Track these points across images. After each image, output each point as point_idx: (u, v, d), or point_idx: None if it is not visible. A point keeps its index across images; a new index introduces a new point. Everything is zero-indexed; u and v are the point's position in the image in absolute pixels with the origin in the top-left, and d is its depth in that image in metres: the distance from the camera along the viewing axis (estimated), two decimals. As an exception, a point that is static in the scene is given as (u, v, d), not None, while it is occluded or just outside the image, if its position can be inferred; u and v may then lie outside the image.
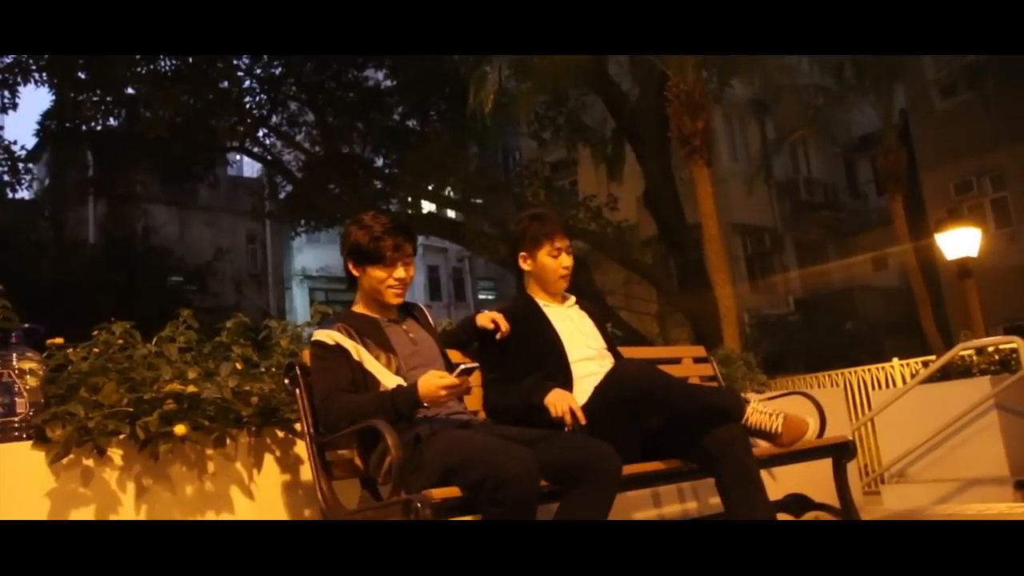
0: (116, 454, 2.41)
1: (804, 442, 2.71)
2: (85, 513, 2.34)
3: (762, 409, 2.69)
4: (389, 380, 2.43)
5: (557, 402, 2.56)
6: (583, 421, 2.53)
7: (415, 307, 2.77)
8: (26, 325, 2.46)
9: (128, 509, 2.41)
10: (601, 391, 2.61)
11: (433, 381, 2.26)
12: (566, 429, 2.51)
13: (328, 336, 2.45)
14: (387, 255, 2.51)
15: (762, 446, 2.70)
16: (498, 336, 2.79)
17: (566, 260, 2.93)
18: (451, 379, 2.26)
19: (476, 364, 2.41)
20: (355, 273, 2.58)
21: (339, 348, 2.44)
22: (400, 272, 2.54)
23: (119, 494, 2.40)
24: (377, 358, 2.46)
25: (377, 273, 2.53)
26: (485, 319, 2.83)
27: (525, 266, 2.96)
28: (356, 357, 2.44)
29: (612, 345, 3.01)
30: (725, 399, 2.60)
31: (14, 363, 2.34)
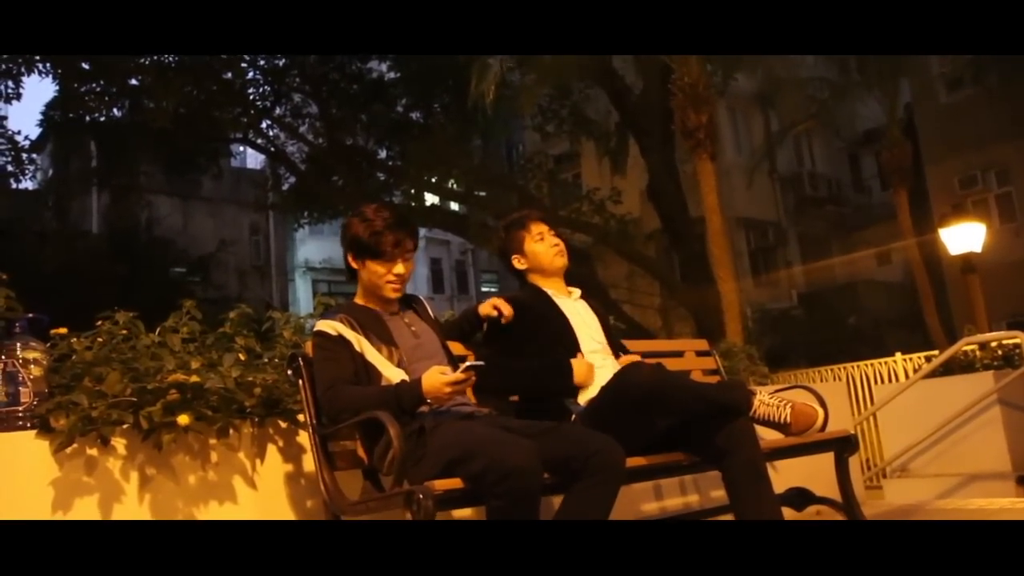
0: (120, 444, 2.41)
1: (814, 429, 2.71)
2: (88, 503, 2.35)
3: (769, 401, 2.69)
4: (391, 372, 2.43)
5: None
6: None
7: (415, 299, 2.76)
8: (30, 315, 2.46)
9: (131, 499, 2.41)
10: (609, 391, 2.59)
11: (437, 378, 2.25)
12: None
13: (331, 327, 2.45)
14: (387, 250, 2.49)
15: (766, 439, 2.70)
16: (503, 321, 2.79)
17: (552, 239, 2.97)
18: (456, 375, 2.25)
19: (482, 363, 2.40)
20: (354, 266, 2.57)
21: (341, 339, 2.44)
22: (399, 268, 2.53)
23: (122, 484, 2.41)
24: (379, 350, 2.46)
25: (376, 268, 2.52)
26: (487, 307, 2.83)
27: (521, 265, 3.00)
28: (358, 348, 2.44)
29: (614, 342, 3.01)
30: (733, 395, 2.59)
31: (18, 353, 2.34)
